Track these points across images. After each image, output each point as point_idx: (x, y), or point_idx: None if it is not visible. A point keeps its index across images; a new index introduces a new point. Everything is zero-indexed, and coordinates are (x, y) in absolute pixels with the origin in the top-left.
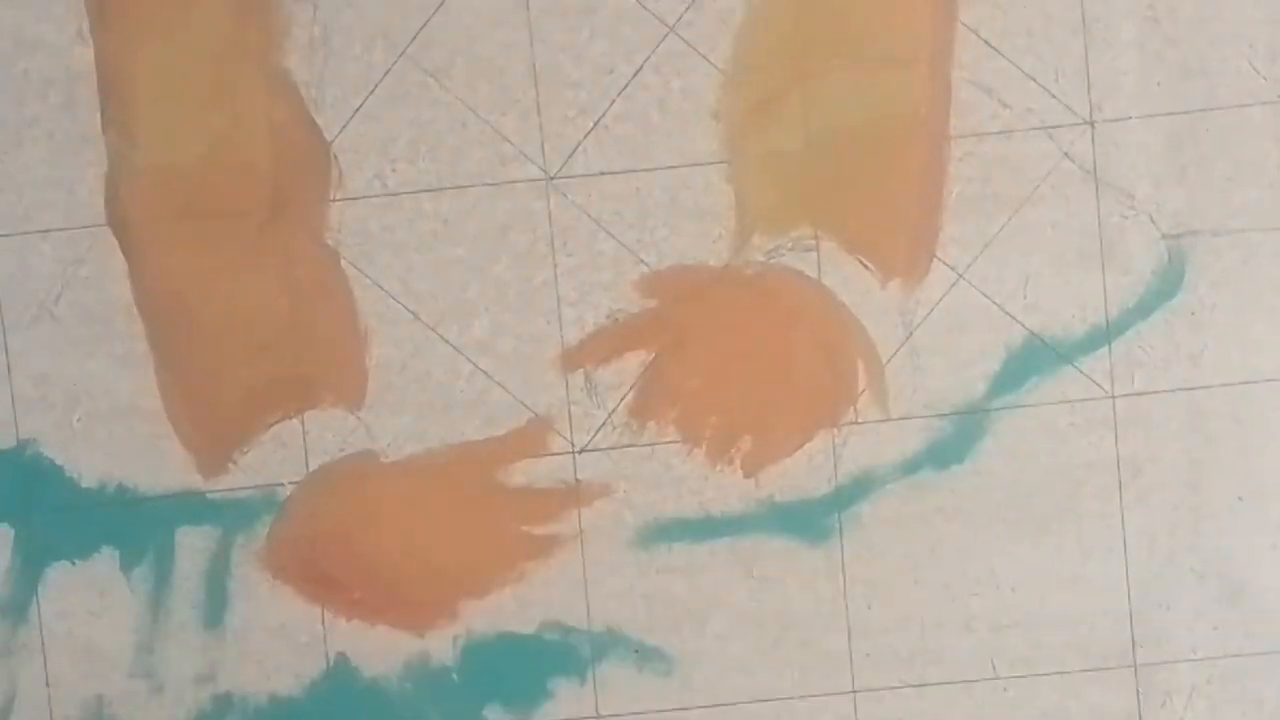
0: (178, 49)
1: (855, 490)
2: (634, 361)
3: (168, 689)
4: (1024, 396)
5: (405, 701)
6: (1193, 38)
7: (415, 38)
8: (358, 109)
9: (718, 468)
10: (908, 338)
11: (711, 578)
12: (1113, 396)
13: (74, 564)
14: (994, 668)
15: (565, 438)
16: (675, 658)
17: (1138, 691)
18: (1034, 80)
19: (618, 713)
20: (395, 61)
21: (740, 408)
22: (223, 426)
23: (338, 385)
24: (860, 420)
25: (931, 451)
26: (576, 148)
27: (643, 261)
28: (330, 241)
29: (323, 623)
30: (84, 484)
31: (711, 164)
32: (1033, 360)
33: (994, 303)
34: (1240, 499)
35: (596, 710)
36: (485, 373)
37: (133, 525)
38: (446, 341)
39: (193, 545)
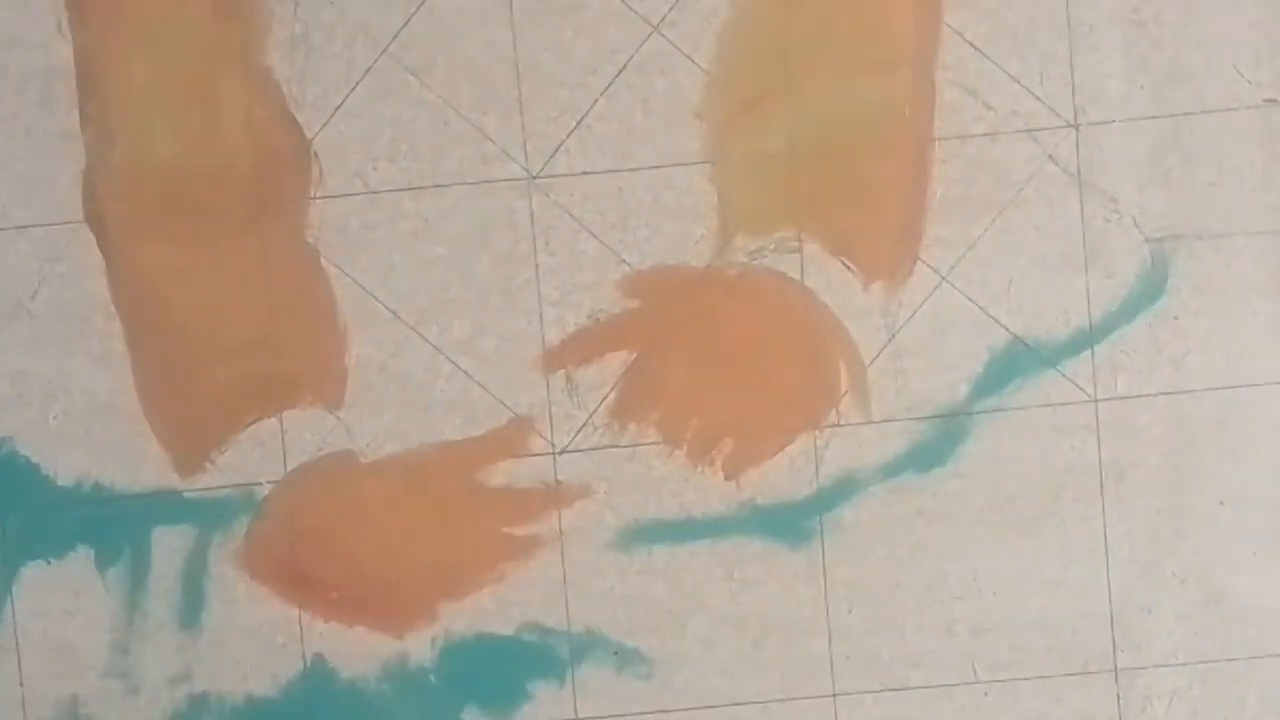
0: (157, 46)
1: (837, 493)
2: (615, 362)
3: (143, 689)
4: (1006, 399)
5: (383, 703)
6: (1178, 41)
7: (397, 36)
8: (338, 107)
9: (699, 469)
10: (890, 340)
11: (692, 580)
12: (1095, 400)
13: (49, 563)
14: (975, 671)
15: (546, 438)
16: (655, 660)
17: (1118, 696)
18: (1018, 83)
19: (597, 715)
20: (377, 59)
21: (722, 409)
22: (200, 425)
23: (317, 384)
24: (842, 423)
25: (913, 454)
26: (559, 147)
27: (625, 262)
28: (310, 240)
29: (300, 623)
30: (60, 482)
31: (695, 164)
32: (1015, 363)
33: (977, 305)
34: (1222, 504)
35: (575, 712)
36: (466, 372)
37: (109, 524)
38: (427, 341)
39: (169, 545)
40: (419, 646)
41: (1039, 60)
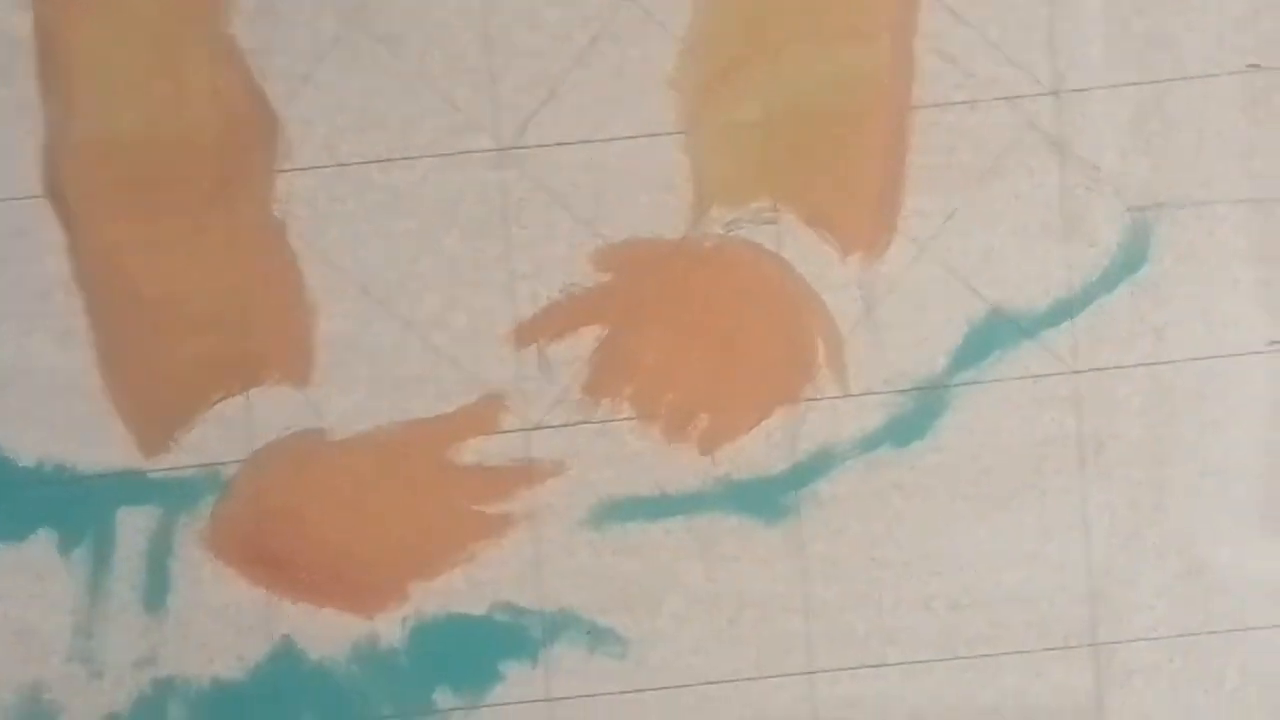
0: (119, 14)
1: (814, 468)
2: (589, 337)
3: (107, 673)
4: (985, 372)
5: (352, 684)
6: (1160, 7)
7: (366, 4)
8: (306, 77)
9: (673, 445)
10: (868, 312)
11: (667, 557)
12: (1075, 372)
13: (10, 545)
14: (953, 647)
15: (518, 415)
16: (629, 639)
17: (1098, 670)
18: (998, 49)
19: (570, 695)
20: (345, 29)
21: (697, 384)
22: (165, 404)
23: (284, 361)
24: (819, 397)
25: (891, 428)
26: (531, 118)
27: (598, 234)
28: (278, 214)
29: (268, 605)
30: (21, 463)
31: (669, 135)
32: (995, 335)
33: (956, 276)
34: (1204, 475)
35: (548, 693)
36: (436, 348)
37: (71, 505)
38: (396, 316)
39: (134, 526)
40: (389, 627)
41: (1019, 26)
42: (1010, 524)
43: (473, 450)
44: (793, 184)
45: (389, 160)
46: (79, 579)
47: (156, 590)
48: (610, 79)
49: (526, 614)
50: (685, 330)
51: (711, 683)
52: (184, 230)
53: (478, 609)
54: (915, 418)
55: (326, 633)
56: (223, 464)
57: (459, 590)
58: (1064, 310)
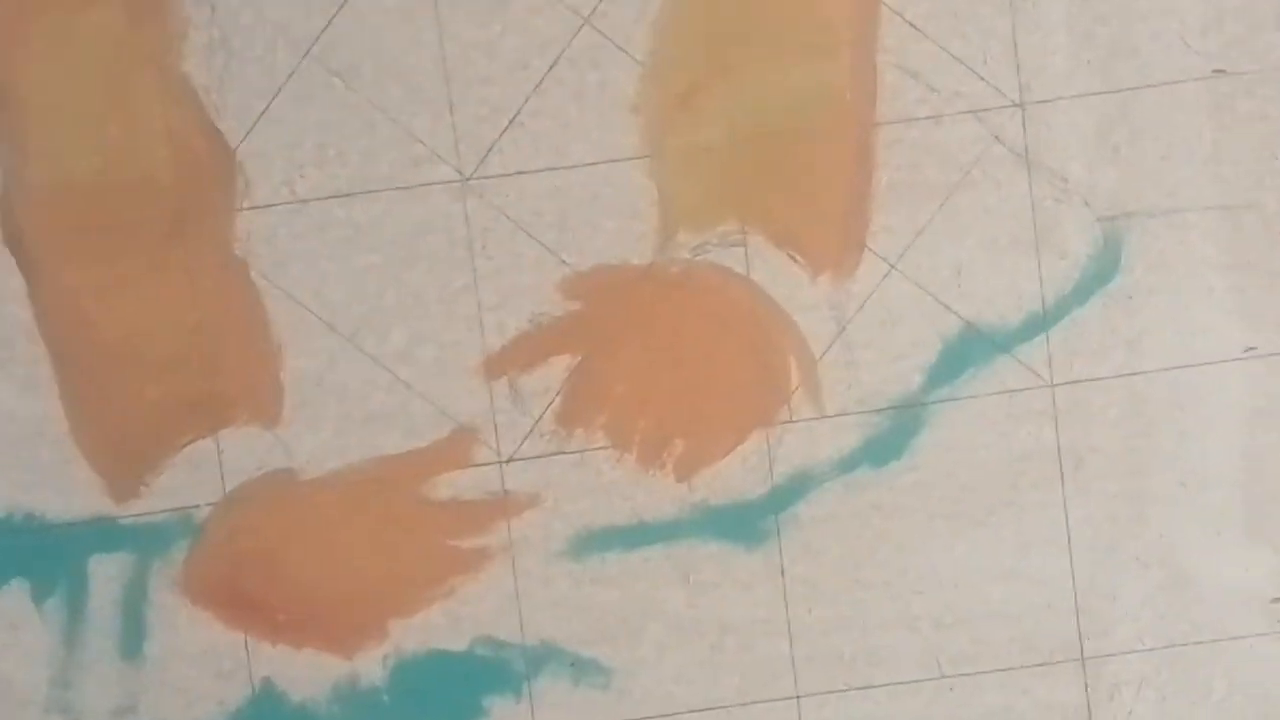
0: (69, 57)
1: (792, 491)
2: (559, 366)
3: None
4: (961, 388)
5: None
6: (1123, 14)
7: (319, 37)
8: (262, 113)
9: (649, 472)
10: (840, 332)
11: (647, 586)
12: (1051, 385)
13: None
14: (939, 666)
15: (491, 447)
16: (613, 669)
17: (1086, 685)
18: (961, 63)
19: None
20: (300, 62)
21: (670, 410)
22: (133, 448)
23: (251, 402)
24: (794, 419)
25: (868, 448)
26: (492, 147)
27: (565, 262)
28: (238, 252)
29: (246, 648)
30: None
31: (632, 159)
32: (969, 351)
33: (928, 293)
34: (1182, 485)
35: None
36: (405, 383)
37: (43, 554)
38: (364, 352)
39: (107, 573)
40: (370, 666)
41: (981, 38)
42: (991, 540)
43: (447, 485)
44: (759, 205)
45: (349, 195)
46: (53, 629)
47: (133, 637)
48: (570, 105)
49: (508, 648)
50: (656, 356)
51: (697, 710)
52: (144, 272)
53: (459, 644)
54: (892, 437)
55: (307, 674)
56: (194, 507)
57: (439, 626)
58: (1037, 324)
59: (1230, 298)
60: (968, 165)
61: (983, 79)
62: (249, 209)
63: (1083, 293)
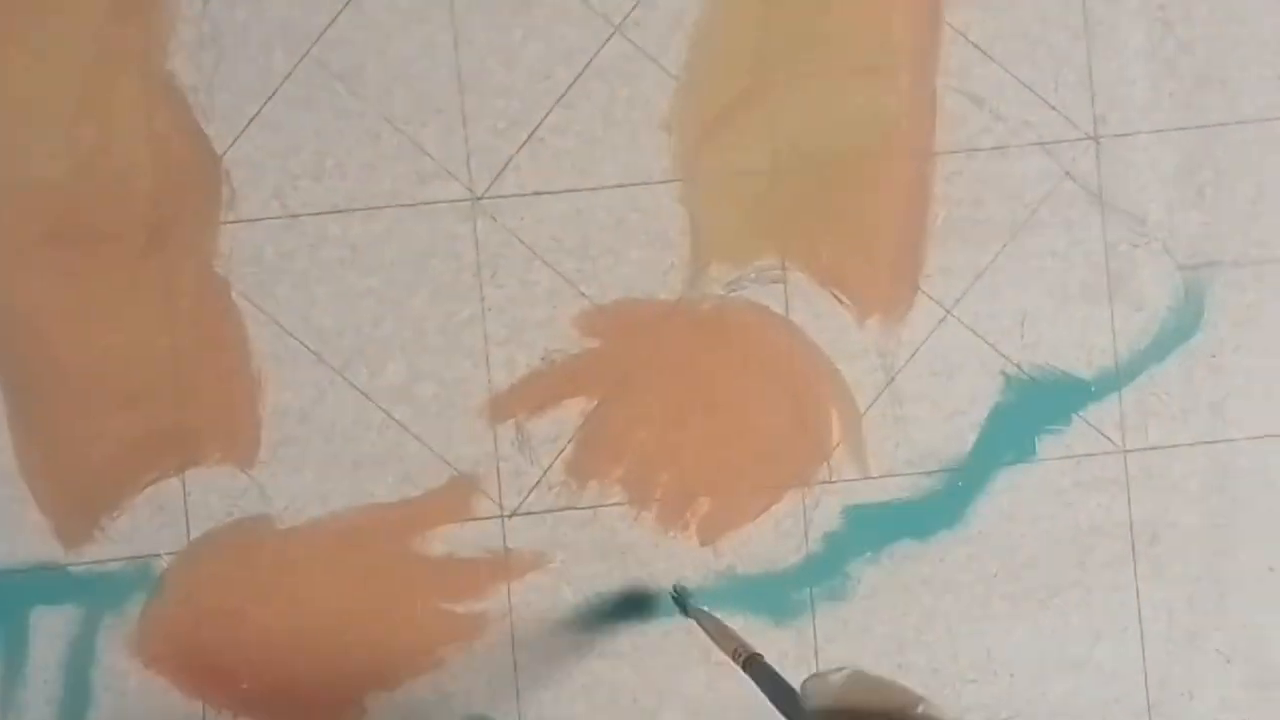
0: (42, 48)
1: (829, 561)
2: (573, 410)
3: None
4: (1022, 451)
5: None
6: (1209, 43)
7: (321, 36)
8: (253, 118)
9: (670, 534)
10: (889, 383)
11: (664, 664)
12: (1124, 451)
13: None
14: None
15: (493, 499)
16: None
17: None
18: (1031, 90)
19: None
20: (298, 64)
21: (696, 464)
22: (89, 487)
23: (225, 438)
24: (835, 479)
25: (917, 515)
26: (507, 164)
27: (583, 294)
28: (219, 270)
29: None
30: None
31: (663, 183)
32: (1032, 409)
33: (986, 342)
34: (1271, 569)
35: None
36: (400, 423)
37: None
38: (355, 387)
39: (50, 628)
40: None
41: (1054, 64)
42: (1054, 625)
43: (441, 540)
44: (802, 238)
45: (347, 210)
46: None
47: (76, 703)
48: (596, 121)
49: None
50: (682, 403)
51: None
52: (113, 289)
53: None
54: (944, 503)
55: None
56: (154, 556)
57: (425, 703)
58: (1109, 382)
59: None
60: (1035, 203)
61: (1054, 108)
62: (234, 222)
63: (1161, 349)
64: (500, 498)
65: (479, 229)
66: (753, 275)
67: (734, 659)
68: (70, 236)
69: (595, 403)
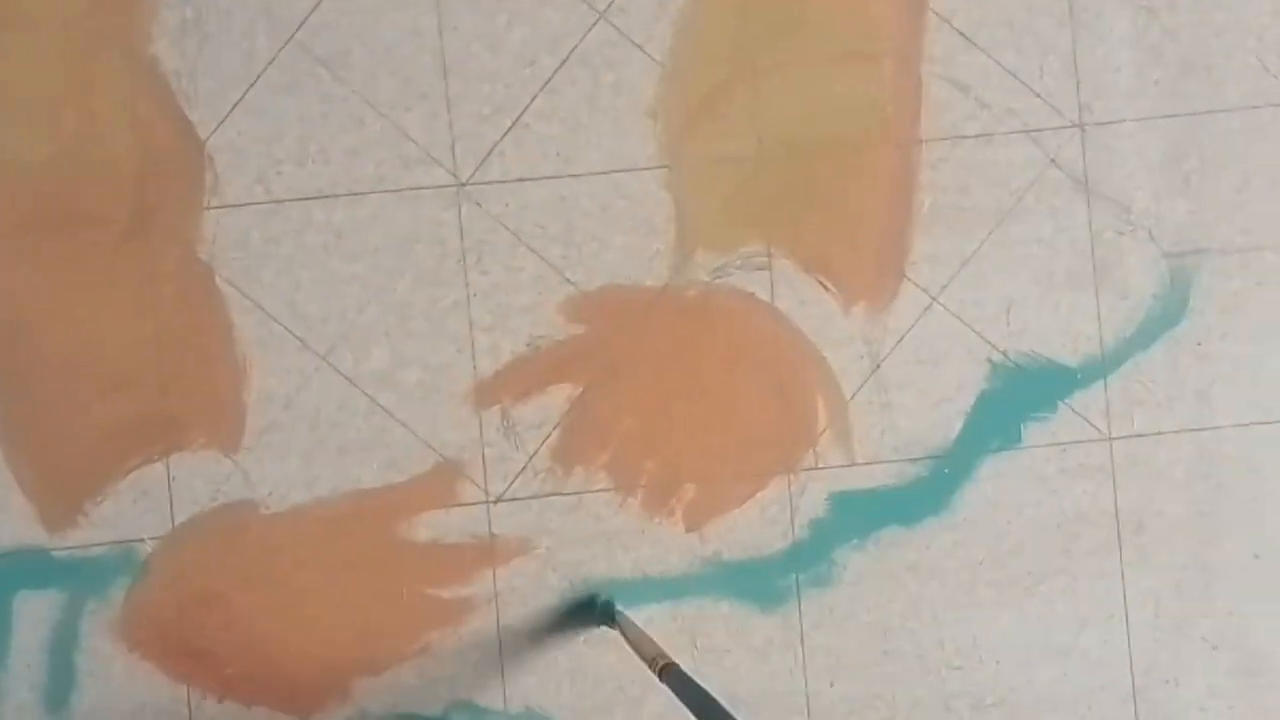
0: (22, 30)
1: (815, 547)
2: (559, 397)
3: None
4: (1008, 439)
5: None
6: (1195, 31)
7: (305, 21)
8: (237, 103)
9: (656, 520)
10: (874, 370)
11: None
12: (1109, 438)
13: None
14: None
15: (478, 485)
16: None
17: None
18: (1016, 77)
19: None
20: (282, 48)
21: (682, 451)
22: (72, 471)
23: (210, 424)
24: (820, 466)
25: (902, 502)
26: (492, 150)
27: (569, 281)
28: (203, 256)
29: (189, 705)
30: None
31: (648, 169)
32: (1017, 396)
33: (973, 330)
34: (1257, 557)
35: None
36: (385, 409)
37: None
38: (339, 372)
39: (34, 612)
40: None
41: (1039, 51)
42: (1039, 612)
43: (427, 526)
44: (787, 225)
45: (331, 196)
46: None
47: (60, 689)
48: (581, 107)
49: (489, 715)
50: (668, 390)
51: None
52: (96, 274)
53: (432, 709)
54: (930, 490)
55: None
56: (138, 541)
57: (411, 687)
58: (1095, 369)
59: None
60: (1020, 190)
61: (1039, 95)
62: (217, 208)
63: (1146, 336)
64: (486, 483)
65: (464, 215)
66: (738, 262)
67: (651, 667)
68: (53, 222)
69: (581, 389)
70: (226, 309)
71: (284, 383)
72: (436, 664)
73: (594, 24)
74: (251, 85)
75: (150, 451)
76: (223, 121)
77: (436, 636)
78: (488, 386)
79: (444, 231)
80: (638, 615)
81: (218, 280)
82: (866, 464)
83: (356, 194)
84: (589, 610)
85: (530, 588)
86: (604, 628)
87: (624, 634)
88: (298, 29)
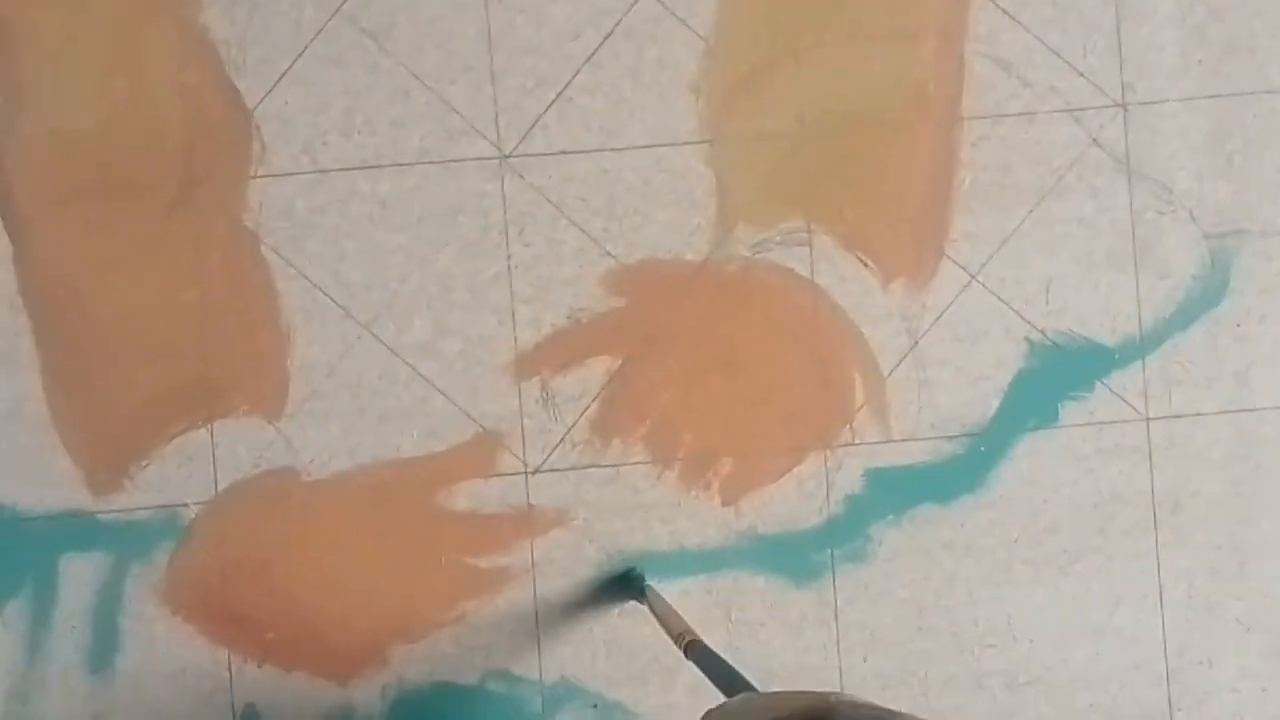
0: (76, 3)
1: (850, 523)
2: (598, 369)
3: None
4: (1045, 417)
5: None
6: (1239, 11)
7: None
8: (285, 73)
9: (692, 493)
10: (913, 347)
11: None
12: (1147, 418)
13: None
14: None
15: (517, 456)
16: (640, 715)
17: None
18: (1059, 56)
19: None
20: (329, 20)
21: (720, 425)
22: (119, 437)
23: (254, 391)
24: (857, 442)
25: (939, 479)
26: (535, 123)
27: (609, 254)
28: (250, 224)
29: (230, 669)
30: None
31: (690, 144)
32: (1055, 375)
33: (1011, 308)
34: None
35: None
36: (426, 379)
37: (9, 551)
38: (381, 342)
39: (79, 575)
40: (367, 696)
41: (1083, 30)
42: (1074, 592)
43: (466, 495)
44: (827, 202)
45: (376, 167)
46: (15, 636)
47: (104, 649)
48: (625, 81)
49: (524, 684)
50: (707, 364)
51: None
52: (144, 242)
53: (468, 678)
54: (966, 468)
55: (295, 702)
56: (182, 506)
57: (447, 656)
58: (1134, 349)
59: None
60: (1061, 169)
61: (1082, 75)
62: (263, 176)
63: (1185, 317)
64: (524, 454)
65: (506, 187)
66: (778, 238)
67: (677, 643)
68: (102, 189)
69: (620, 362)
70: (271, 278)
71: (327, 351)
72: (473, 633)
73: None
74: (299, 56)
75: (195, 417)
76: (270, 91)
77: (473, 605)
78: (528, 358)
79: (487, 203)
80: (673, 588)
81: (263, 249)
82: (903, 441)
83: (401, 165)
84: (620, 584)
85: (567, 559)
86: (646, 587)
87: (652, 609)
88: (344, 1)
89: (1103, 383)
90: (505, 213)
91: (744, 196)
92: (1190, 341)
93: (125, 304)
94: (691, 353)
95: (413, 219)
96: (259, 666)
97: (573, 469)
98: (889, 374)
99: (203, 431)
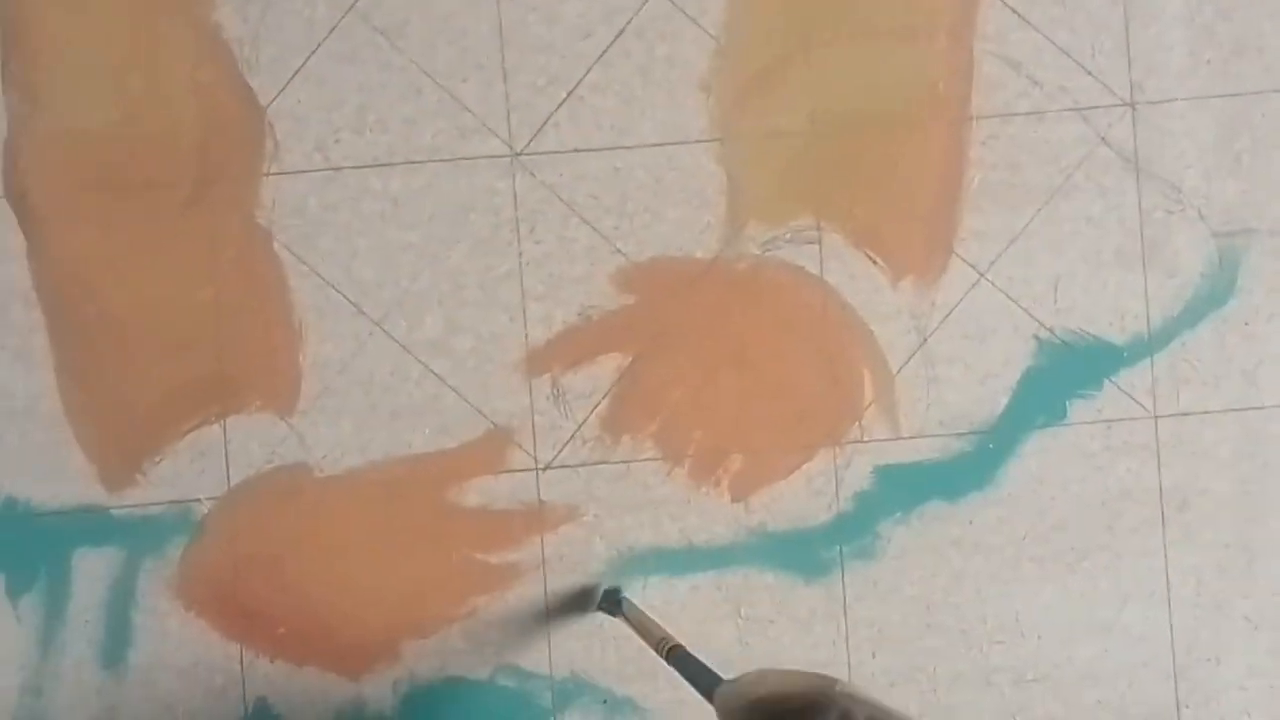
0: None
1: (859, 520)
2: (608, 366)
3: None
4: (1053, 415)
5: None
6: (1247, 11)
7: None
8: (297, 70)
9: (702, 490)
10: (921, 345)
11: (693, 618)
12: (1155, 416)
13: None
14: None
15: (528, 452)
16: (650, 710)
17: None
18: (1068, 55)
19: None
20: (342, 17)
21: (729, 422)
22: (132, 432)
23: (266, 387)
24: (866, 439)
25: (947, 476)
26: (547, 121)
27: (620, 251)
28: (263, 221)
29: (241, 663)
30: None
31: (701, 142)
32: (1063, 373)
33: (1020, 306)
34: None
35: None
36: (437, 376)
37: (23, 545)
38: (393, 339)
39: (92, 569)
40: (379, 691)
41: (1091, 30)
42: (1082, 589)
43: (477, 491)
44: (837, 200)
45: (388, 164)
46: (29, 629)
47: (117, 644)
48: (635, 80)
49: (534, 679)
50: (717, 361)
51: None
52: (158, 239)
53: (480, 672)
54: (974, 465)
55: (306, 696)
56: (195, 501)
57: (458, 651)
58: (1142, 347)
59: None
60: (1070, 168)
61: (1090, 74)
62: (276, 174)
63: (1194, 315)
64: (535, 451)
65: (518, 185)
66: (788, 235)
67: (658, 650)
68: (116, 186)
69: (630, 359)
70: (284, 274)
71: (339, 348)
72: (484, 628)
73: None
74: (312, 53)
75: (208, 413)
76: (283, 89)
77: (484, 601)
78: (539, 355)
79: (498, 201)
80: (683, 584)
81: (276, 246)
82: (912, 438)
83: (413, 163)
84: (590, 600)
85: (578, 555)
86: (622, 600)
87: (629, 621)
88: None
89: (1111, 381)
90: (516, 210)
91: (754, 194)
92: (1198, 340)
93: (139, 300)
94: (701, 350)
95: (425, 216)
96: (271, 661)
97: (583, 465)
98: (898, 371)
99: (216, 427)
